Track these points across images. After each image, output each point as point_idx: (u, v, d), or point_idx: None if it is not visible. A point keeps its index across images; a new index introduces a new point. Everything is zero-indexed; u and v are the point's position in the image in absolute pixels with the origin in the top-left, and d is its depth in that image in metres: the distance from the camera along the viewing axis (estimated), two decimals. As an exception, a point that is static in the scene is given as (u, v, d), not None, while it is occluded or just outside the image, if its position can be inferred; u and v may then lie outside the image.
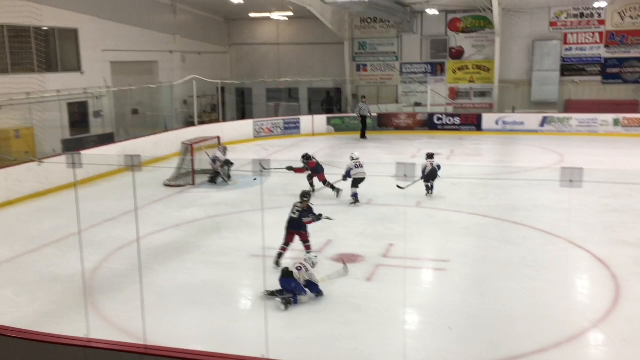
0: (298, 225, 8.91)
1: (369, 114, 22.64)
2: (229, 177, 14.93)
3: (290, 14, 24.76)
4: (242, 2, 21.85)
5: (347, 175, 12.79)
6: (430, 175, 12.95)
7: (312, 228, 9.09)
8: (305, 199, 8.99)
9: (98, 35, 19.75)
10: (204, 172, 15.30)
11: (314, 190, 12.91)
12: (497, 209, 12.17)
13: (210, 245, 10.28)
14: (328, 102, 26.96)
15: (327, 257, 9.36)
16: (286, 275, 7.73)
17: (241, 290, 8.57)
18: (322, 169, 13.34)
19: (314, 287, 7.79)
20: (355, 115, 22.86)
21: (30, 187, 13.57)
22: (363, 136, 22.47)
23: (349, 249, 9.78)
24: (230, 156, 15.19)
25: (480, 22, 25.48)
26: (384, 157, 18.32)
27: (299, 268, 7.77)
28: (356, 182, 12.69)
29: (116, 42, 20.55)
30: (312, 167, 13.31)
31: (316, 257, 8.19)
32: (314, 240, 9.29)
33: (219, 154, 14.97)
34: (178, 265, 9.32)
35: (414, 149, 19.99)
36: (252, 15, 26.35)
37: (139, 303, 5.71)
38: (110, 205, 12.47)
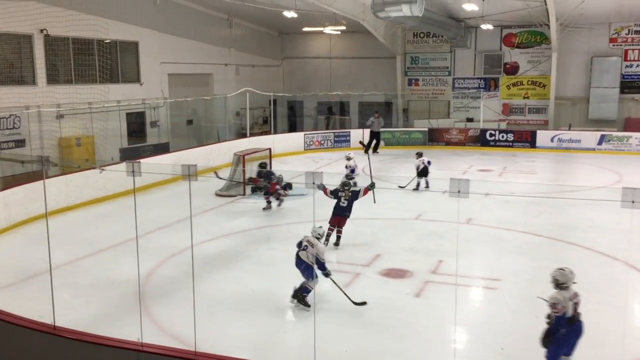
0: (344, 211, 10.29)
1: (379, 129, 22.25)
2: (289, 186, 15.07)
3: (343, 28, 24.93)
4: (296, 16, 22.16)
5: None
6: (422, 172, 14.85)
7: (361, 242, 9.05)
8: (347, 188, 10.32)
9: (157, 48, 20.42)
10: (252, 181, 15.47)
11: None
12: (551, 228, 11.85)
13: (259, 256, 10.41)
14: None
15: (376, 272, 9.32)
16: (298, 257, 8.01)
17: (289, 301, 8.62)
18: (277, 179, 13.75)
19: (319, 263, 7.84)
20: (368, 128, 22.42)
21: (89, 194, 14.08)
22: (366, 151, 20.77)
23: (398, 264, 9.70)
24: (278, 167, 15.35)
25: (536, 38, 24.99)
26: (434, 172, 18.11)
27: (305, 247, 7.94)
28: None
29: (174, 54, 21.19)
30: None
31: (321, 227, 8.28)
32: (362, 255, 9.27)
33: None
34: (227, 274, 9.48)
35: (465, 164, 19.70)
36: (305, 29, 26.68)
37: (190, 310, 5.83)
38: (164, 213, 12.78)
